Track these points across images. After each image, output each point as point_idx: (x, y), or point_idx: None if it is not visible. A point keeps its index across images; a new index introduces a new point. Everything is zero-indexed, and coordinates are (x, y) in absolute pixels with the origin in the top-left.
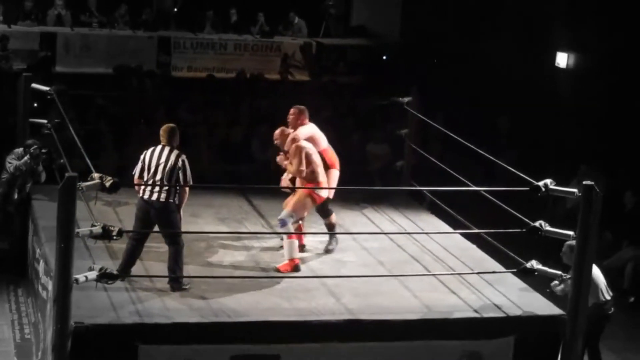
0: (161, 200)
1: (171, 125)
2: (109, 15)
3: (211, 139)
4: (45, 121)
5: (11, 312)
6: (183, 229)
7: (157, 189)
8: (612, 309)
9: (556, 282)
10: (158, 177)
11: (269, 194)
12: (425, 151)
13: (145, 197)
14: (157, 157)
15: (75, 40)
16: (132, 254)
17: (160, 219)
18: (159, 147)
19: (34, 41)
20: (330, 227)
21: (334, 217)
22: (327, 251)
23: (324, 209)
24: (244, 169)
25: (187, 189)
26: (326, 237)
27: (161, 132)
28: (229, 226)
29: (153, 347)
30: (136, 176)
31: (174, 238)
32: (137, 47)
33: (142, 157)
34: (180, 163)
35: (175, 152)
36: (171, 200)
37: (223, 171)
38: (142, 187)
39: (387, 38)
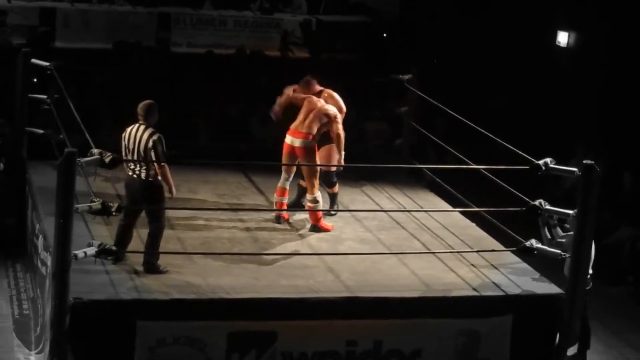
0: (142, 178)
1: (148, 102)
2: None
3: (210, 115)
4: (44, 97)
5: (10, 287)
6: (181, 205)
7: (137, 167)
8: (591, 283)
9: (562, 233)
10: (135, 155)
11: (268, 171)
12: (425, 129)
13: (129, 174)
14: (133, 135)
15: (74, 15)
16: (123, 233)
17: (142, 196)
18: (136, 125)
19: (33, 16)
20: (332, 197)
21: (337, 188)
22: (330, 215)
23: (329, 181)
24: (242, 145)
25: (166, 167)
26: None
27: (138, 109)
28: (228, 202)
29: (151, 323)
30: (123, 155)
31: (154, 217)
32: (137, 23)
33: (122, 135)
34: (151, 143)
35: (149, 131)
36: (151, 179)
37: (221, 148)
38: (127, 165)
39: (386, 15)
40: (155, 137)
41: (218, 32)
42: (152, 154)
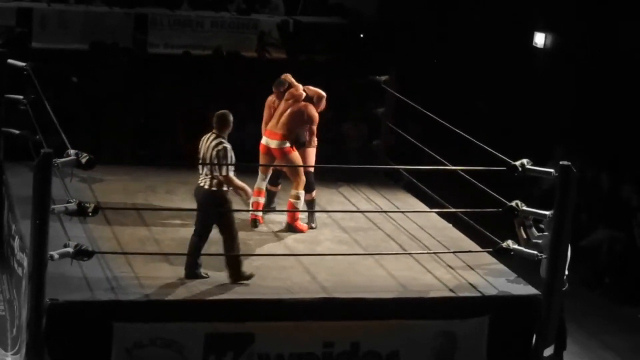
0: (206, 187)
1: (222, 112)
2: None
3: (186, 116)
4: (21, 97)
5: None
6: (158, 205)
7: (203, 177)
8: (567, 284)
9: (537, 234)
10: (206, 166)
11: (245, 172)
12: (402, 130)
13: (198, 183)
14: (205, 144)
15: (51, 16)
16: (196, 247)
17: (206, 206)
18: (209, 134)
19: (10, 17)
20: (310, 204)
21: (315, 193)
22: (310, 228)
23: (308, 183)
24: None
25: (231, 176)
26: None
27: (214, 118)
28: None
29: (127, 325)
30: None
31: (223, 226)
32: (114, 23)
33: (200, 143)
34: (214, 152)
35: (217, 140)
36: (214, 189)
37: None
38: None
39: (364, 16)
40: (220, 147)
41: (195, 33)
42: (216, 161)
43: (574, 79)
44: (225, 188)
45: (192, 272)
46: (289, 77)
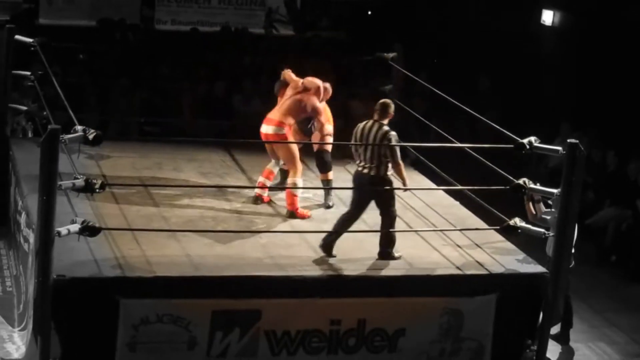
0: (372, 174)
1: (385, 100)
2: None
3: (194, 93)
4: (28, 73)
5: None
6: (165, 182)
7: (367, 163)
8: (573, 262)
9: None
10: (367, 152)
11: (252, 149)
12: (409, 108)
13: (359, 169)
14: (367, 132)
15: None
16: (344, 222)
17: (372, 191)
18: (370, 122)
19: None
20: (326, 184)
21: (331, 174)
22: (328, 207)
23: (323, 163)
24: (226, 123)
25: (401, 164)
26: (311, 192)
27: (376, 106)
28: (212, 180)
29: (134, 301)
30: (353, 149)
31: (385, 208)
32: (121, 0)
33: (354, 130)
34: (386, 140)
35: (384, 128)
36: (381, 175)
37: (205, 125)
38: (357, 159)
39: None
40: (389, 136)
41: (202, 10)
42: (388, 150)
43: (581, 57)
44: (389, 172)
45: (329, 244)
46: (288, 73)
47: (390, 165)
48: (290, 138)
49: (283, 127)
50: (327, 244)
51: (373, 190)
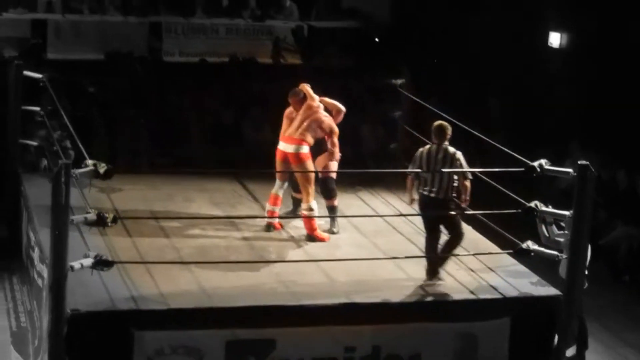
0: (440, 197)
1: (441, 124)
2: (99, 1)
3: (202, 122)
4: (38, 108)
5: (7, 300)
6: (177, 213)
7: (436, 187)
8: (586, 283)
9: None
10: (435, 176)
11: (262, 178)
12: (419, 133)
13: (425, 193)
14: (433, 157)
15: (66, 26)
16: (428, 249)
17: (441, 214)
18: (433, 147)
19: (24, 28)
20: (332, 210)
21: (336, 200)
22: (332, 233)
23: (328, 190)
24: (236, 152)
25: (467, 184)
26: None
27: (433, 130)
28: (223, 210)
29: (148, 333)
30: (410, 175)
31: (455, 228)
32: (128, 32)
33: (417, 155)
34: (458, 163)
35: (450, 151)
36: (450, 197)
37: (215, 155)
38: (422, 184)
39: (377, 19)
40: (458, 157)
41: (210, 40)
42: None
43: (588, 78)
44: (455, 194)
45: (434, 270)
46: (306, 88)
47: (454, 185)
48: (310, 160)
49: (304, 146)
50: (433, 270)
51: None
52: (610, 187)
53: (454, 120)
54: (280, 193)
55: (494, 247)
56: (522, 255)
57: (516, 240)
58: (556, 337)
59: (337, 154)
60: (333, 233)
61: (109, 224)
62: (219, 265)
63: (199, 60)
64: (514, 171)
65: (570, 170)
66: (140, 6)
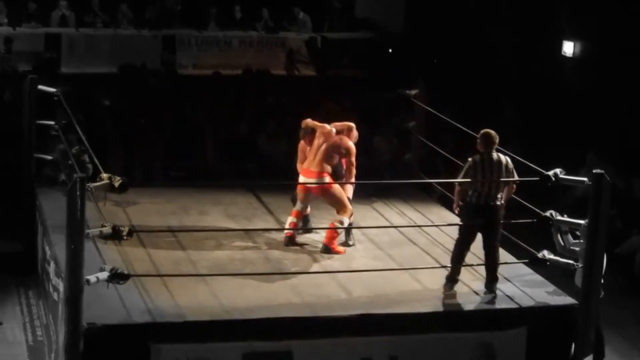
0: (497, 203)
1: (489, 132)
2: (112, 15)
3: (217, 135)
4: (52, 122)
5: (22, 314)
6: (192, 226)
7: (494, 194)
8: (602, 292)
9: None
10: (494, 183)
11: (277, 190)
12: (434, 143)
13: (474, 201)
14: (487, 164)
15: (79, 40)
16: (458, 256)
17: (491, 222)
18: (485, 155)
19: (38, 43)
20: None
21: (352, 217)
22: (348, 246)
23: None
24: (250, 164)
25: (514, 185)
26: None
27: (480, 139)
28: (239, 223)
29: (165, 346)
30: (458, 186)
31: (496, 237)
32: (142, 46)
33: (470, 164)
34: (511, 169)
35: (504, 158)
36: (498, 204)
37: (230, 167)
38: (476, 192)
39: (391, 30)
40: (510, 163)
41: (223, 53)
42: (511, 174)
43: (601, 85)
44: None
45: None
46: (311, 122)
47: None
48: (333, 186)
49: (325, 178)
50: (453, 278)
51: (497, 219)
52: (625, 195)
53: (467, 130)
54: (304, 211)
55: (509, 257)
56: (538, 265)
57: (531, 250)
58: (573, 346)
59: (353, 172)
60: (349, 246)
61: (125, 238)
62: (235, 278)
63: (213, 73)
64: (529, 181)
65: (585, 179)
66: (153, 19)
